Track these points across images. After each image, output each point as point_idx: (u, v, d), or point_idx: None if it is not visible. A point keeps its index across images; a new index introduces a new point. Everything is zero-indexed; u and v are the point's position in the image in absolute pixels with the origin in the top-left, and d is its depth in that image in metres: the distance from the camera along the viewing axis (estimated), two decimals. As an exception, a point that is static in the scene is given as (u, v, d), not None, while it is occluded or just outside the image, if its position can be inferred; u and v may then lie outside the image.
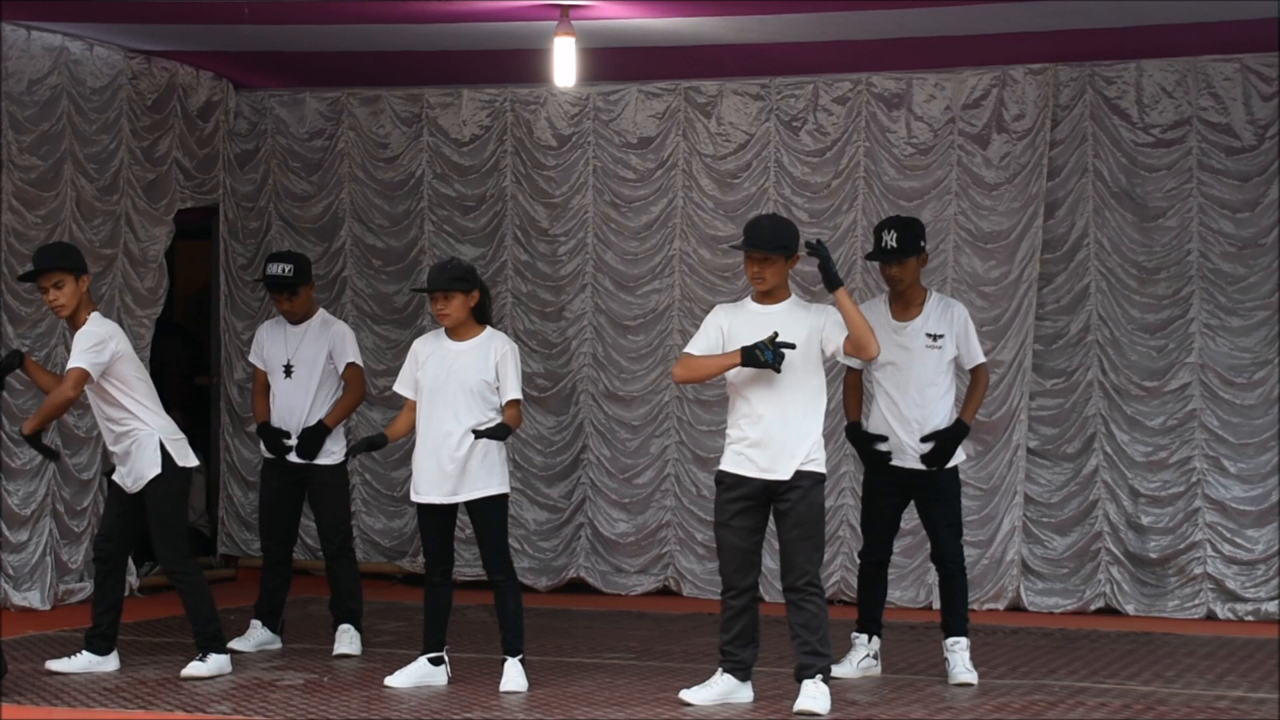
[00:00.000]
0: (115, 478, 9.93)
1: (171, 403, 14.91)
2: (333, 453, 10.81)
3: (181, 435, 9.93)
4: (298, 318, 10.88)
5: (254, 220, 14.48)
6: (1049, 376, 12.96)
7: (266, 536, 11.06)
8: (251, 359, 11.10)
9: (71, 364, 9.60)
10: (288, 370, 10.81)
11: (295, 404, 10.79)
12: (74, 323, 9.79)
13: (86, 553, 12.57)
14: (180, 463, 9.79)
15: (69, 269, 9.72)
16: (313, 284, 11.02)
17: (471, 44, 12.59)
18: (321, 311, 11.03)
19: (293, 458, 10.77)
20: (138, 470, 9.75)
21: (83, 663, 9.96)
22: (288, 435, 10.77)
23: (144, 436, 9.73)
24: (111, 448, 9.91)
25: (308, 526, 12.51)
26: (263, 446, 10.98)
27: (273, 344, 10.91)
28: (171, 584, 10.31)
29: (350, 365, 10.85)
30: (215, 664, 9.85)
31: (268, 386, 10.91)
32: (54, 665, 9.96)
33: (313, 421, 10.75)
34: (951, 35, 12.10)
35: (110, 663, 10.01)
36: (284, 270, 10.78)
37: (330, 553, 10.89)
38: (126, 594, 10.35)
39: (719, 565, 9.23)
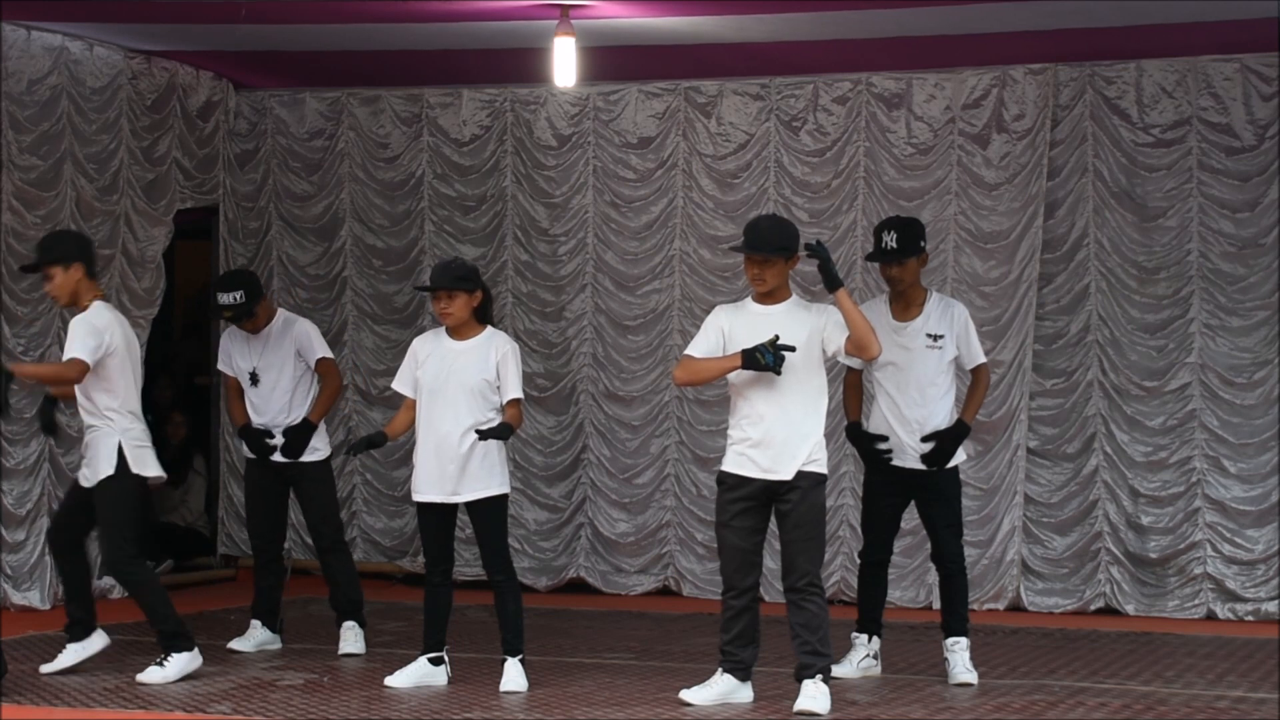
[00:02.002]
0: (79, 473, 9.87)
1: (173, 403, 15.05)
2: (316, 449, 10.82)
3: (148, 443, 9.79)
4: (260, 327, 10.87)
5: (254, 220, 14.48)
6: (1049, 376, 12.95)
7: (255, 536, 11.07)
8: (220, 367, 11.06)
9: (70, 354, 9.49)
10: (253, 378, 10.80)
11: (272, 408, 10.77)
12: (75, 309, 9.76)
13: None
14: (134, 469, 9.65)
15: (53, 261, 9.67)
16: (265, 295, 10.99)
17: (471, 44, 12.59)
18: (281, 312, 11.01)
19: (277, 457, 10.76)
20: (93, 466, 9.69)
21: (69, 656, 9.89)
22: (270, 435, 10.77)
23: (105, 434, 9.65)
24: (85, 436, 9.85)
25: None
26: (245, 448, 10.98)
27: (239, 354, 10.90)
28: (123, 588, 10.23)
29: (321, 360, 10.83)
30: (177, 665, 9.70)
31: (240, 390, 10.90)
32: (46, 669, 9.90)
33: (296, 421, 10.76)
34: (951, 35, 12.10)
35: (96, 642, 9.91)
36: (236, 299, 10.67)
37: (323, 546, 10.89)
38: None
39: (720, 565, 9.23)
